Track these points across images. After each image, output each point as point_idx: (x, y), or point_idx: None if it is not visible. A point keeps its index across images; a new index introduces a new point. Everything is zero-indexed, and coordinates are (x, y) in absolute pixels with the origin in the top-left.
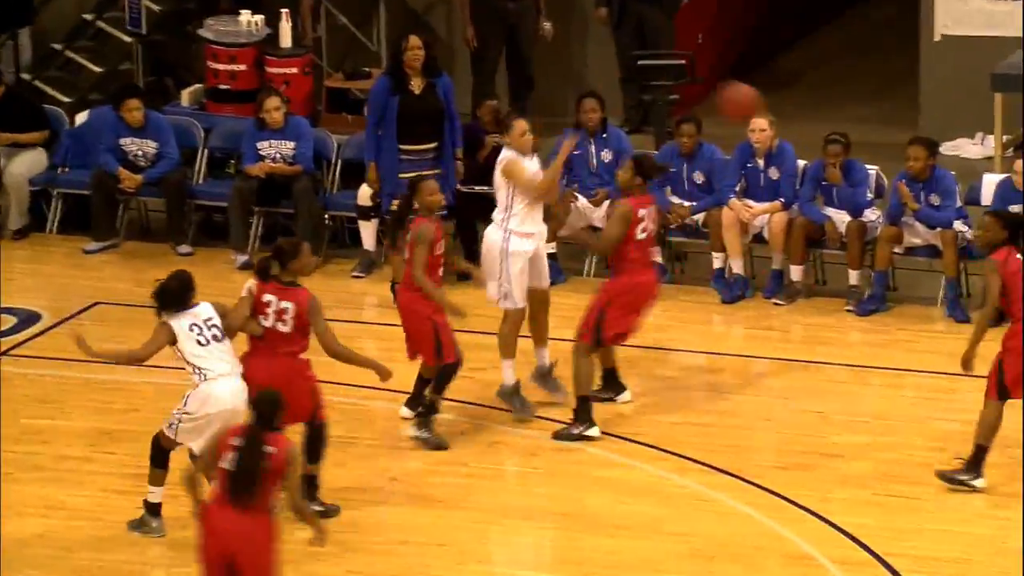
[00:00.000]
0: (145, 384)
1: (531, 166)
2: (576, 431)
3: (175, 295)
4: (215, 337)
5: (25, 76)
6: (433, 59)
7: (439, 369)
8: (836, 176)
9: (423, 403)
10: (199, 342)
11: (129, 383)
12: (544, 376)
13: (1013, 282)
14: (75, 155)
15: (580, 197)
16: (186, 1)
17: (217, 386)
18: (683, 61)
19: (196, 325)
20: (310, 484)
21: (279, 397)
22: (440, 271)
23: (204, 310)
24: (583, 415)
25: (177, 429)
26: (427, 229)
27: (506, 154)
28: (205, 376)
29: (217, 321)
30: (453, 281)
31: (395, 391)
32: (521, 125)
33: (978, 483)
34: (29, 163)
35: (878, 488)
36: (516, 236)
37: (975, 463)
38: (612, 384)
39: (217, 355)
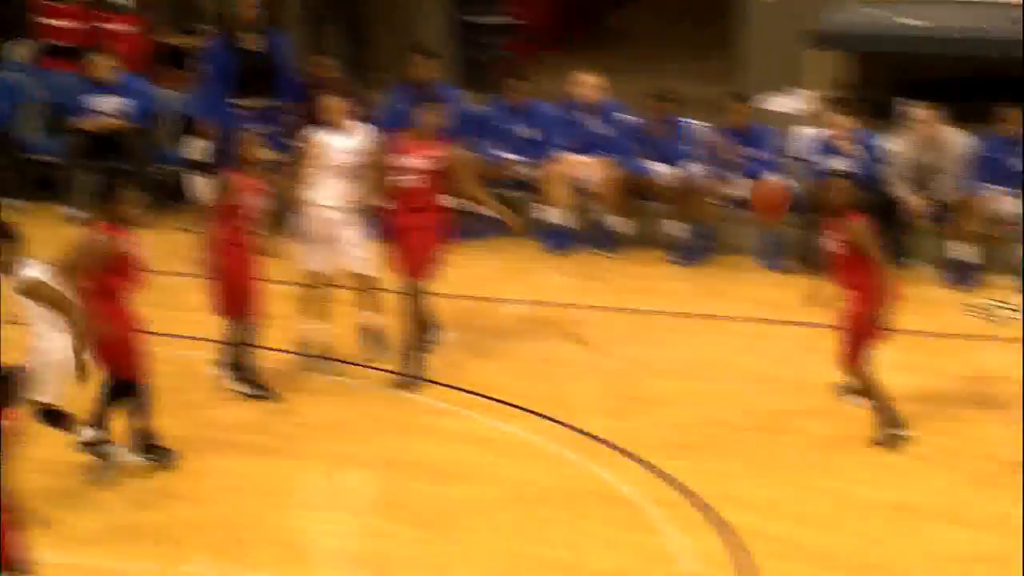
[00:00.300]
0: None
1: (339, 142)
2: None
3: None
4: None
5: None
6: (266, 15)
7: (242, 328)
8: (659, 130)
9: (233, 362)
10: None
11: None
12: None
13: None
14: None
15: None
16: None
17: None
18: (513, 19)
19: None
20: (142, 438)
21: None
22: (245, 224)
23: None
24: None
25: None
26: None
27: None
28: None
29: None
30: None
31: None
32: (330, 102)
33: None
34: None
35: (698, 433)
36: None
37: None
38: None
39: None
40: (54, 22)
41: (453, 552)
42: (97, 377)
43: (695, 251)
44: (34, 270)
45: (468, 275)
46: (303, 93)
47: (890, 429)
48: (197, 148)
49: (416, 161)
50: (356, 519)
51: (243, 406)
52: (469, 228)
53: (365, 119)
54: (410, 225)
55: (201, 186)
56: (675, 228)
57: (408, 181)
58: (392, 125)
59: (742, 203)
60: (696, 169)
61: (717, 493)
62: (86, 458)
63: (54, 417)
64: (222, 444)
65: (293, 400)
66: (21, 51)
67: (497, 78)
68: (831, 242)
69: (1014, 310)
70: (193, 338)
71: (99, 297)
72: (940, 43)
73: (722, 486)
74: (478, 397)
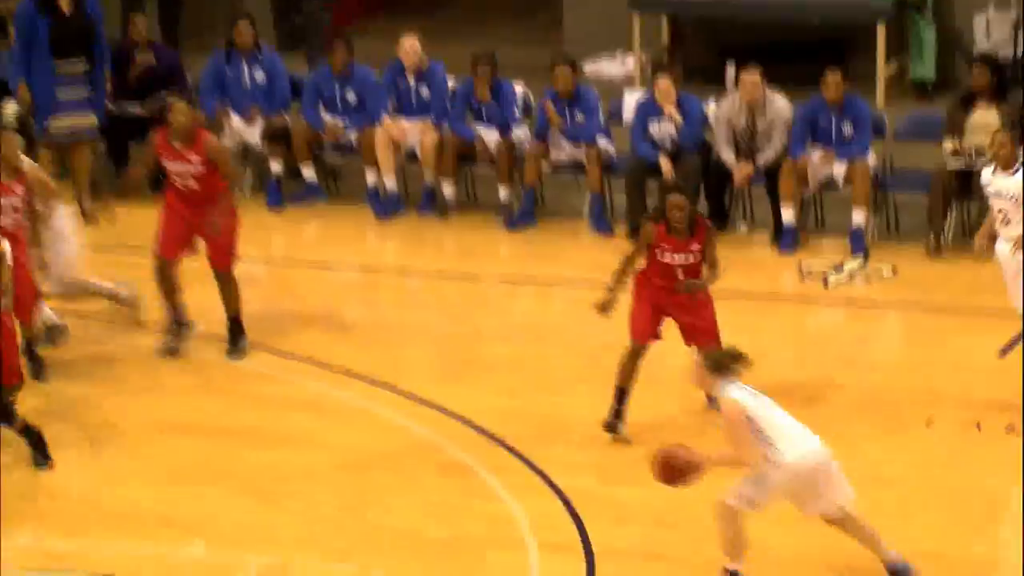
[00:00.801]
0: None
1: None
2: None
3: None
4: None
5: None
6: None
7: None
8: (485, 94)
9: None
10: None
11: None
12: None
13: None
14: None
15: (234, 116)
16: None
17: None
18: None
19: None
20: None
21: None
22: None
23: None
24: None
25: None
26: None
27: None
28: None
29: None
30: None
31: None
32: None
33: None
34: None
35: (529, 398)
36: None
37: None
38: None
39: None
40: None
41: (284, 520)
42: None
43: (524, 215)
44: None
45: (294, 241)
46: (119, 57)
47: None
48: (10, 112)
49: (182, 166)
50: (185, 487)
51: (72, 374)
52: (295, 194)
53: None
54: (195, 220)
55: None
56: (504, 192)
57: (183, 182)
58: (213, 92)
59: (569, 166)
60: (523, 133)
61: (551, 457)
62: None
63: None
64: (52, 417)
65: (118, 368)
66: None
67: (320, 42)
68: None
69: (846, 274)
70: None
71: None
72: (762, 7)
73: (556, 450)
74: (309, 364)
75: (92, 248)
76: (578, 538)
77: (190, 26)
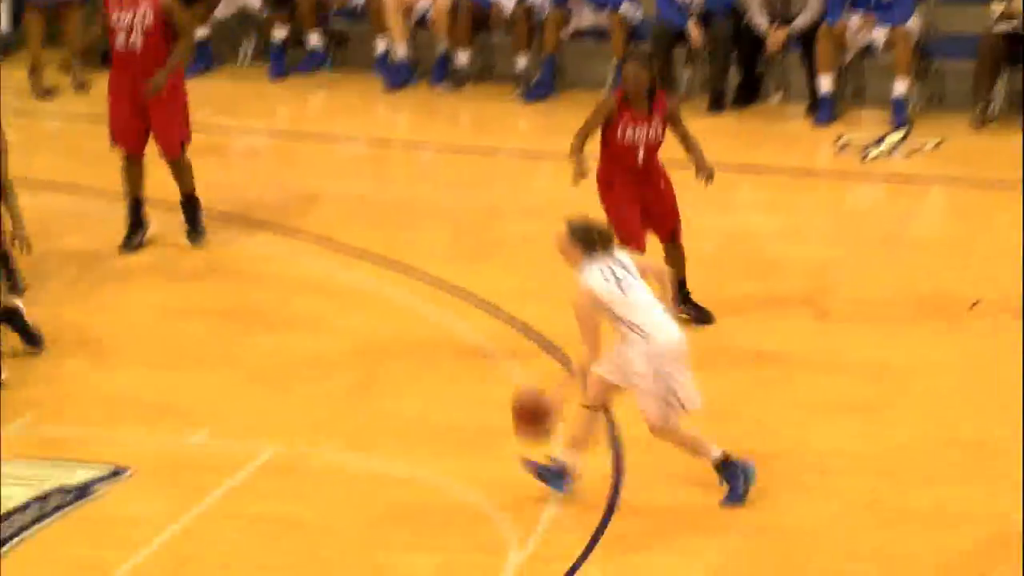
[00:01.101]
0: None
1: None
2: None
3: None
4: None
5: None
6: None
7: None
8: None
9: None
10: None
11: None
12: None
13: None
14: None
15: None
16: None
17: None
18: None
19: None
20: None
21: None
22: None
23: None
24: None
25: None
26: None
27: None
28: None
29: None
30: None
31: None
32: None
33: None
34: None
35: (546, 279)
36: None
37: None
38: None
39: None
40: None
41: (292, 407)
42: None
43: (543, 86)
44: None
45: (299, 113)
46: None
47: None
48: None
49: (129, 15)
50: (188, 373)
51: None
52: (299, 63)
53: None
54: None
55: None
56: (522, 62)
57: (127, 41)
58: None
59: (591, 34)
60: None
61: (571, 341)
62: None
63: None
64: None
65: (112, 260)
66: None
67: None
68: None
69: (886, 148)
70: None
71: None
72: None
73: (575, 331)
74: (313, 243)
75: (88, 119)
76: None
77: None
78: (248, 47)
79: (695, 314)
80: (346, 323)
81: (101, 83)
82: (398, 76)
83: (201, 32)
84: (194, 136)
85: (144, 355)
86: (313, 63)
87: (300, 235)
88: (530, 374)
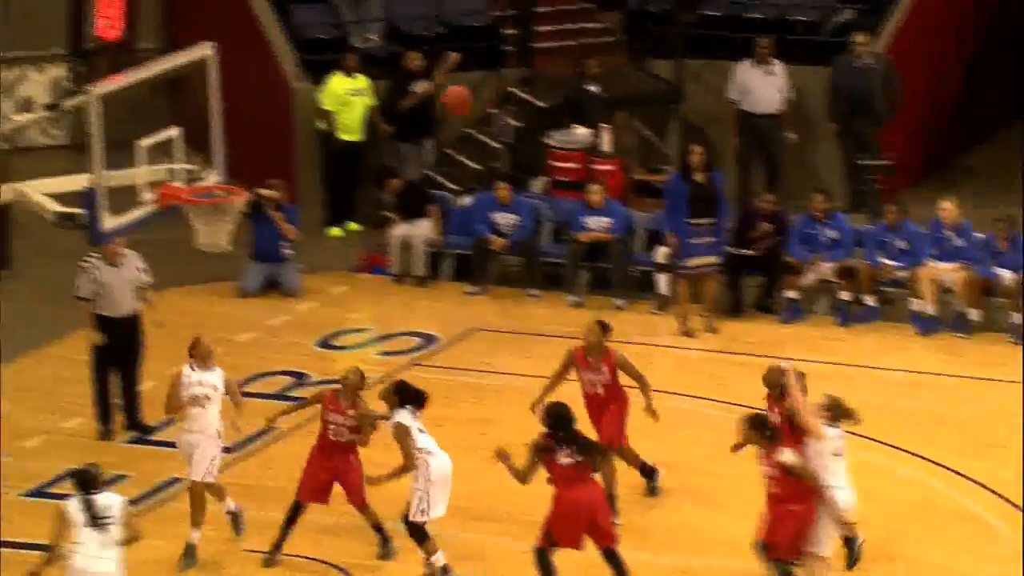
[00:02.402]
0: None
1: None
2: None
3: (412, 396)
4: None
5: (428, 172)
6: (710, 159)
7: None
8: (1003, 244)
9: None
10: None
11: (500, 386)
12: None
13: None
14: (460, 226)
15: (823, 264)
16: (536, 119)
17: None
18: (889, 161)
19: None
20: None
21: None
22: None
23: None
24: None
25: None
26: None
27: None
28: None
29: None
30: None
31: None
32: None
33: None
34: (425, 231)
35: None
36: None
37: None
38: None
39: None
40: (561, 164)
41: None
42: None
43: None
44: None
45: (854, 349)
46: (745, 219)
47: None
48: (661, 253)
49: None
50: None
51: None
52: (857, 314)
53: None
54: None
55: (664, 282)
56: (1016, 318)
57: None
58: (799, 245)
59: None
60: None
61: None
62: None
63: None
64: None
65: None
66: (538, 184)
67: (878, 204)
68: None
69: None
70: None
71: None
72: None
73: None
74: (866, 439)
75: (700, 357)
76: None
77: (785, 194)
78: (824, 305)
79: None
80: (872, 491)
81: (727, 327)
82: (928, 326)
83: (792, 294)
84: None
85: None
86: (867, 315)
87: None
88: None
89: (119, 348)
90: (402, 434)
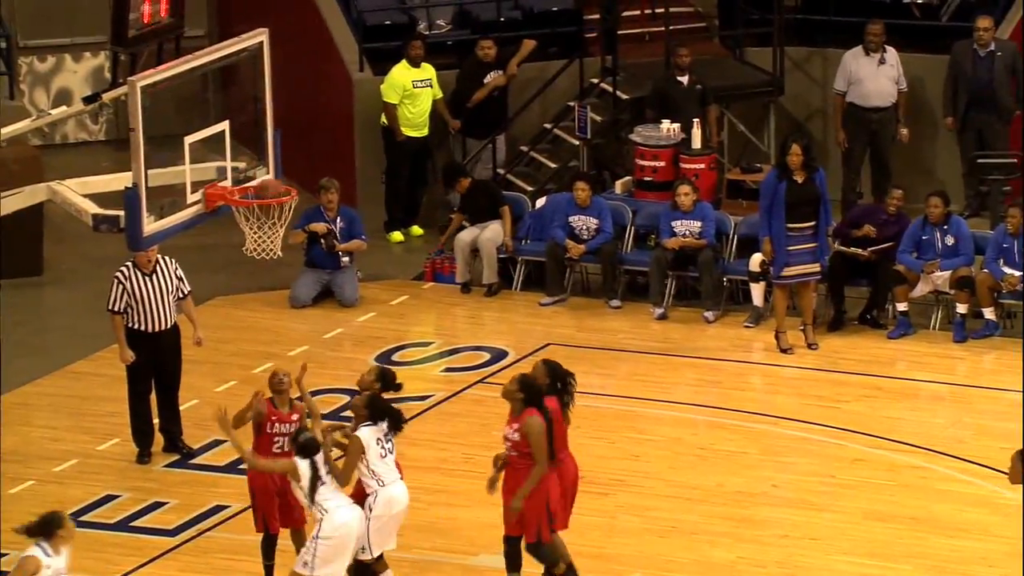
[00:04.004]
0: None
1: None
2: None
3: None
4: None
5: (500, 171)
6: (811, 157)
7: None
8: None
9: None
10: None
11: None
12: None
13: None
14: (534, 230)
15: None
16: (620, 113)
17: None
18: (1015, 160)
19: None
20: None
21: None
22: None
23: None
24: None
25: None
26: None
27: None
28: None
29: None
30: None
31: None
32: None
33: None
34: (495, 235)
35: None
36: None
37: None
38: None
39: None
40: (646, 163)
41: None
42: None
43: None
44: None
45: (971, 368)
46: (851, 220)
47: None
48: (755, 261)
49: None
50: (886, 566)
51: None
52: (976, 331)
53: None
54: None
55: (759, 293)
56: None
57: None
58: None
59: None
60: None
61: None
62: None
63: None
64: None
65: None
66: (621, 185)
67: (1000, 208)
68: None
69: None
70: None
71: None
72: None
73: None
74: (986, 469)
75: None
76: None
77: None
78: (938, 319)
79: None
80: (1008, 531)
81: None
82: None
83: (902, 306)
84: None
85: (848, 547)
86: (987, 331)
87: (966, 459)
88: None
89: (157, 364)
90: (355, 449)
